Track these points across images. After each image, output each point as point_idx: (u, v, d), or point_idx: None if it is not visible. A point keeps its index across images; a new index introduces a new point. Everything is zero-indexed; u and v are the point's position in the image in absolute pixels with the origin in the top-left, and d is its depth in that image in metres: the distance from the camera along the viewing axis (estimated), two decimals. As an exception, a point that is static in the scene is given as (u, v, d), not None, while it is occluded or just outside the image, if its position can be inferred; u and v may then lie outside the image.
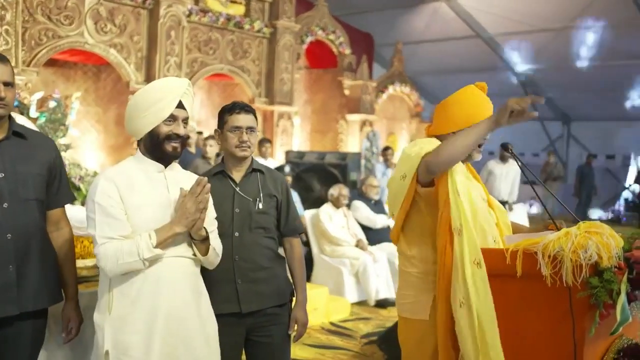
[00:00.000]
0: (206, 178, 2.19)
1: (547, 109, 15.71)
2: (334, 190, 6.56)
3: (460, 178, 2.25)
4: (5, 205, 2.07)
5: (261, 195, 2.60)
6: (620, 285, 1.93)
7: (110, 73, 8.38)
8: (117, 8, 7.73)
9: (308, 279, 4.47)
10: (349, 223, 6.57)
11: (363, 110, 11.54)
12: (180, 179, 2.26)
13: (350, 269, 6.25)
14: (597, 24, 11.84)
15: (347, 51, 11.53)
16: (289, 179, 7.02)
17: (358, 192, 7.18)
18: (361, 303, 6.20)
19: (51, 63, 7.74)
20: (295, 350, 2.72)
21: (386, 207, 5.14)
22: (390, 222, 6.26)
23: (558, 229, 2.15)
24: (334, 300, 5.77)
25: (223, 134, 2.60)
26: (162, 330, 2.09)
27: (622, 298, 1.92)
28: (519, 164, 2.50)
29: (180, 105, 2.21)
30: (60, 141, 6.52)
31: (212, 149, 6.72)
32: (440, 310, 2.22)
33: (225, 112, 2.60)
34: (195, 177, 2.28)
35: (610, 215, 14.32)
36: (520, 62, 14.21)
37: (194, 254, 2.21)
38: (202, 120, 9.96)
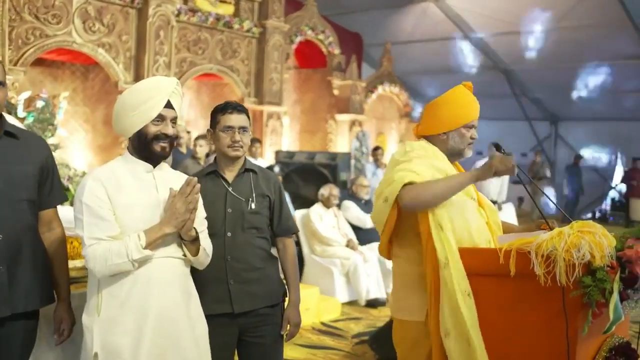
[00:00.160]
0: (196, 178, 2.18)
1: (535, 109, 15.80)
2: (324, 190, 6.56)
3: (442, 210, 2.26)
4: (-4, 205, 2.05)
5: (254, 195, 2.59)
6: (613, 284, 1.94)
7: (98, 73, 8.32)
8: (106, 7, 7.67)
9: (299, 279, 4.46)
10: (340, 223, 6.57)
11: (352, 110, 11.55)
12: (169, 179, 2.25)
13: (341, 268, 6.25)
14: (584, 25, 11.93)
15: (337, 51, 11.53)
16: (279, 179, 7.01)
17: (348, 192, 7.19)
18: (352, 303, 6.20)
19: (38, 62, 7.67)
20: (287, 350, 2.72)
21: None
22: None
23: (551, 229, 2.17)
24: (324, 300, 5.77)
25: (215, 134, 2.59)
26: (151, 332, 2.07)
27: (615, 297, 1.93)
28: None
29: (168, 105, 2.19)
30: (49, 141, 6.46)
31: (202, 149, 6.69)
32: (432, 314, 2.24)
33: (217, 112, 2.59)
34: (184, 177, 2.27)
35: (597, 215, 14.44)
36: (508, 63, 14.29)
37: (184, 255, 2.20)
38: (191, 120, 9.92)
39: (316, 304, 5.56)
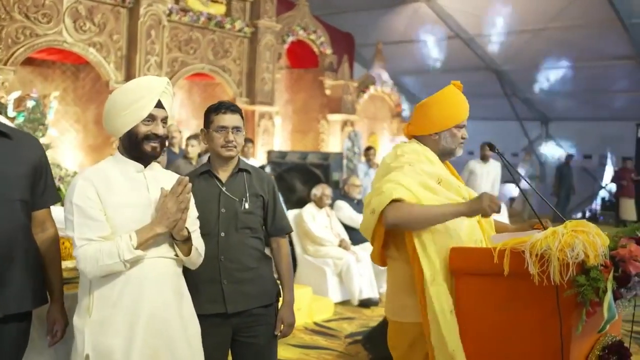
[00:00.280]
0: (187, 178, 2.17)
1: (526, 109, 15.88)
2: (316, 190, 6.56)
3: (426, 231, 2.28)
4: (-12, 206, 2.03)
5: (247, 195, 2.59)
6: (607, 283, 1.95)
7: (89, 72, 8.27)
8: (96, 6, 7.63)
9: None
10: (332, 223, 6.57)
11: (344, 110, 11.54)
12: (160, 178, 2.23)
13: (334, 268, 6.25)
14: (574, 25, 12.00)
15: (328, 51, 11.53)
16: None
17: (341, 192, 7.19)
18: (344, 303, 6.20)
19: (28, 62, 7.62)
20: (280, 350, 2.72)
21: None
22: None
23: (544, 228, 2.17)
24: (317, 300, 5.77)
25: (209, 134, 2.58)
26: (143, 332, 2.06)
27: (609, 296, 1.94)
28: (505, 163, 2.52)
29: (159, 105, 2.18)
30: (40, 141, 6.42)
31: (194, 149, 6.67)
32: (424, 322, 2.25)
33: (211, 112, 2.59)
34: (176, 176, 2.26)
35: (587, 214, 14.53)
36: (499, 63, 14.35)
37: (176, 255, 2.19)
38: (182, 120, 9.88)
39: (309, 304, 5.56)
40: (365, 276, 6.27)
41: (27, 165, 2.15)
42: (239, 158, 2.65)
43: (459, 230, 2.32)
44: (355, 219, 6.72)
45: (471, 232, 2.38)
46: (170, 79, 8.34)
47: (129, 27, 7.98)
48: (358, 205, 6.88)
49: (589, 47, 12.38)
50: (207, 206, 2.50)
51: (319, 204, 6.51)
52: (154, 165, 2.27)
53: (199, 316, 2.32)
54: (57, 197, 2.31)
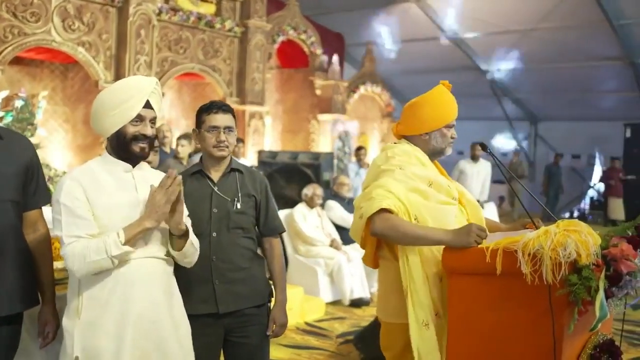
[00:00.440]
0: (176, 170, 2.16)
1: (515, 109, 15.96)
2: (307, 190, 6.55)
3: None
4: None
5: (239, 195, 2.58)
6: (599, 282, 1.95)
7: (78, 72, 8.22)
8: (85, 6, 7.58)
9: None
10: (323, 223, 6.57)
11: (334, 110, 11.55)
12: (149, 178, 2.22)
13: (325, 268, 6.25)
14: (563, 26, 12.08)
15: (319, 51, 11.53)
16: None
17: (331, 192, 7.19)
18: (336, 303, 6.20)
19: (17, 61, 7.56)
20: (271, 350, 2.72)
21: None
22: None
23: (537, 228, 2.18)
24: (308, 300, 5.77)
25: (201, 134, 2.57)
26: (132, 333, 2.05)
27: (601, 295, 1.95)
28: (497, 163, 2.54)
29: (147, 105, 2.17)
30: (29, 141, 6.37)
31: (184, 148, 6.63)
32: None
33: (202, 112, 2.58)
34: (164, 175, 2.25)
35: (576, 214, 14.62)
36: (488, 63, 14.41)
37: (167, 255, 2.18)
38: (172, 119, 9.84)
39: (300, 304, 5.56)
40: (356, 276, 6.27)
41: (18, 165, 2.13)
42: (231, 158, 2.64)
43: (447, 228, 2.33)
44: (347, 218, 6.73)
45: None
46: (160, 78, 8.37)
47: (118, 27, 7.94)
48: (349, 205, 6.89)
49: (577, 47, 12.46)
50: (199, 206, 2.49)
51: (310, 204, 6.51)
52: (143, 165, 2.26)
53: (191, 316, 2.31)
54: (49, 197, 2.29)
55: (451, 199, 2.43)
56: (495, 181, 9.37)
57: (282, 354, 4.63)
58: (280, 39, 10.71)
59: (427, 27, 13.23)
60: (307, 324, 5.48)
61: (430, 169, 2.47)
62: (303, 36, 11.18)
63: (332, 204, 6.86)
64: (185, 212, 2.32)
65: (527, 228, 2.39)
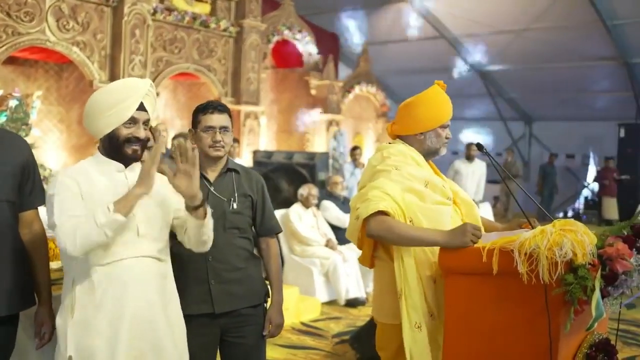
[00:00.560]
0: (189, 143, 2.15)
1: (509, 109, 15.99)
2: (303, 190, 6.55)
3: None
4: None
5: (236, 195, 2.58)
6: (594, 282, 1.96)
7: (72, 71, 8.19)
8: (80, 5, 7.55)
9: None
10: (319, 223, 6.57)
11: (329, 110, 11.55)
12: None
13: (320, 268, 6.25)
14: (557, 27, 12.11)
15: (314, 51, 11.53)
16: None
17: (326, 192, 7.19)
18: (331, 302, 6.20)
19: (11, 61, 7.52)
20: (267, 350, 2.72)
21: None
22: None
23: (533, 228, 2.19)
24: (304, 300, 5.77)
25: (197, 134, 2.57)
26: (127, 333, 2.04)
27: (597, 294, 1.95)
28: (493, 163, 2.54)
29: (141, 107, 2.16)
30: (24, 141, 6.34)
31: (179, 148, 6.62)
32: None
33: (199, 112, 2.57)
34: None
35: (570, 213, 14.65)
36: (483, 63, 14.44)
37: (159, 254, 2.16)
38: (167, 119, 9.82)
39: (296, 304, 5.55)
40: (352, 276, 6.28)
41: (15, 165, 2.12)
42: (227, 158, 2.64)
43: (442, 229, 2.33)
44: (342, 218, 6.73)
45: None
46: (155, 78, 8.35)
47: (113, 26, 7.91)
48: (344, 205, 6.89)
49: (571, 48, 12.50)
50: (195, 206, 2.48)
51: (306, 203, 6.51)
52: (135, 166, 2.24)
53: (187, 316, 2.30)
54: (45, 197, 2.28)
55: (446, 199, 2.43)
56: (489, 181, 9.38)
57: (277, 354, 4.62)
58: (275, 38, 10.70)
59: (421, 27, 13.24)
60: (302, 324, 5.48)
61: (425, 169, 2.48)
62: (298, 36, 11.18)
63: (328, 204, 6.86)
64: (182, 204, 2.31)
65: (523, 228, 2.39)
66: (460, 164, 8.33)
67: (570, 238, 1.97)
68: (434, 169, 2.58)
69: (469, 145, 8.45)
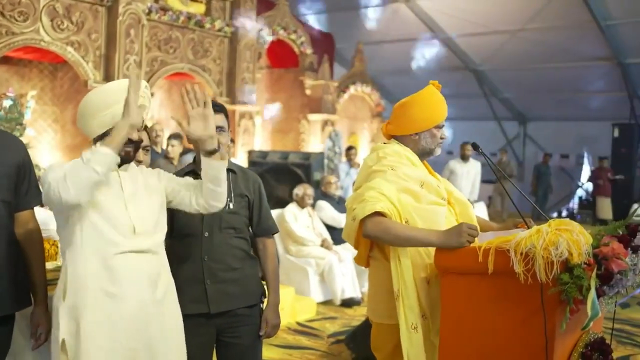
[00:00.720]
0: (196, 85, 2.14)
1: (504, 109, 16.03)
2: (298, 190, 6.55)
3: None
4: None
5: (232, 195, 2.57)
6: (590, 281, 1.97)
7: (67, 71, 8.16)
8: (74, 5, 7.52)
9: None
10: (314, 223, 6.57)
11: (324, 110, 11.55)
12: (135, 175, 2.21)
13: (316, 268, 6.25)
14: (551, 27, 12.15)
15: (309, 51, 11.53)
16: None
17: (321, 192, 7.19)
18: (327, 302, 6.21)
19: (5, 61, 7.49)
20: (263, 350, 2.72)
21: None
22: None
23: (528, 227, 2.20)
24: (299, 300, 5.77)
25: (193, 134, 2.55)
26: (123, 333, 2.04)
27: (592, 293, 1.96)
28: (489, 162, 2.55)
29: None
30: (19, 141, 6.31)
31: (175, 148, 6.61)
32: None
33: (195, 112, 2.56)
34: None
35: (564, 213, 14.70)
36: (477, 63, 14.47)
37: (154, 252, 2.15)
38: (162, 119, 9.80)
39: (291, 304, 5.55)
40: (347, 276, 6.28)
41: (10, 165, 2.11)
42: (224, 158, 2.63)
43: (438, 229, 2.33)
44: (337, 218, 6.74)
45: None
46: (149, 78, 8.33)
47: (107, 26, 7.89)
48: (339, 205, 6.89)
49: (565, 48, 12.55)
50: (191, 206, 2.48)
51: (301, 203, 6.51)
52: (128, 166, 2.23)
53: (183, 316, 2.30)
54: (40, 197, 2.27)
55: (440, 199, 2.44)
56: (484, 181, 9.41)
57: (273, 354, 4.62)
58: (270, 38, 10.70)
59: (416, 27, 13.26)
60: (298, 323, 5.48)
61: (420, 169, 2.48)
62: (293, 36, 11.18)
63: (323, 204, 6.86)
64: (179, 181, 2.32)
65: (519, 227, 2.40)
66: (455, 164, 8.35)
67: (566, 238, 1.97)
68: (429, 169, 2.59)
69: (463, 145, 8.46)
